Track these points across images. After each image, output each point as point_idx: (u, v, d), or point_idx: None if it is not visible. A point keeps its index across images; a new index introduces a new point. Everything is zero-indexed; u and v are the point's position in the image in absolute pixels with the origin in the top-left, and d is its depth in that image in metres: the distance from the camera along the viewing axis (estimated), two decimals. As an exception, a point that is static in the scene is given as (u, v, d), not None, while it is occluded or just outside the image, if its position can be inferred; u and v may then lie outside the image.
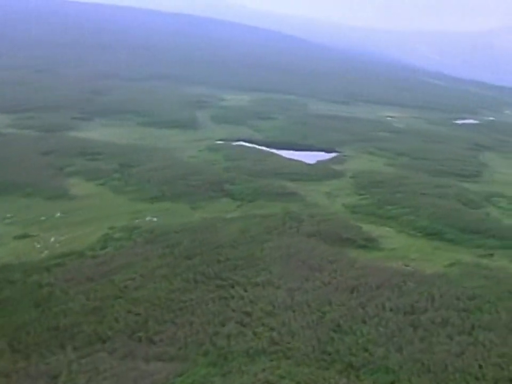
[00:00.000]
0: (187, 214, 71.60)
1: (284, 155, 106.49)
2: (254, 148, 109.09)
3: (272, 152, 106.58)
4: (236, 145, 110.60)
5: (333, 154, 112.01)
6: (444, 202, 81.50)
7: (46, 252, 57.32)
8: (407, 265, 61.03)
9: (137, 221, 68.45)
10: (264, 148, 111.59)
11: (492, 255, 67.54)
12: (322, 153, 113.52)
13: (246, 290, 50.29)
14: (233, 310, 46.90)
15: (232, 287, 50.83)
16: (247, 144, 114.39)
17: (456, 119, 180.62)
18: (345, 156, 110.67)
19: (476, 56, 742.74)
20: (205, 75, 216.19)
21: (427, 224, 73.32)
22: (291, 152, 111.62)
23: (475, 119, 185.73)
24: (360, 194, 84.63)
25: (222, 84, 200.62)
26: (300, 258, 57.38)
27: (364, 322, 46.29)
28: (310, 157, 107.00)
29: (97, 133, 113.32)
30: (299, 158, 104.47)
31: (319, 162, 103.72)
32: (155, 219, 69.42)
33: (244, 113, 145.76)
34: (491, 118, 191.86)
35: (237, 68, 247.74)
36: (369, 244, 65.79)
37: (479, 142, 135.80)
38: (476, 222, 74.51)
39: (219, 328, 44.19)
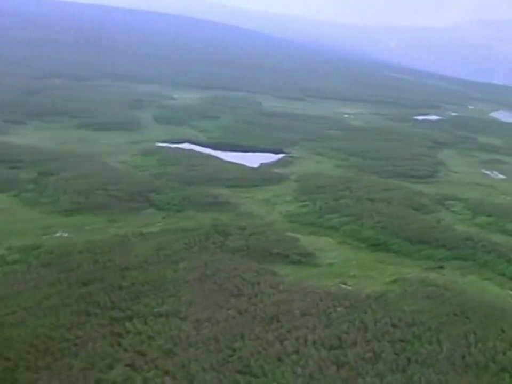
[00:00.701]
0: (102, 229, 64.24)
1: (225, 158, 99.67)
2: (193, 150, 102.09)
3: (211, 155, 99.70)
4: (174, 148, 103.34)
5: (280, 156, 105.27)
6: (391, 208, 75.37)
7: None
8: (344, 284, 54.68)
9: (44, 237, 60.80)
10: (205, 150, 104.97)
11: (441, 267, 61.74)
12: (270, 154, 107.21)
13: (145, 323, 43.23)
14: (126, 350, 39.82)
15: (130, 319, 43.71)
16: (186, 146, 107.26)
17: (418, 114, 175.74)
18: (292, 157, 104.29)
19: (445, 50, 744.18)
20: (159, 73, 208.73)
21: (371, 234, 67.11)
22: (235, 154, 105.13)
23: (437, 115, 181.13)
24: (302, 201, 78.17)
25: (174, 82, 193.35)
26: (216, 281, 50.46)
27: (280, 360, 39.65)
28: (254, 159, 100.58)
29: (27, 137, 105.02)
30: (242, 161, 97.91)
31: (262, 165, 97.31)
32: (66, 235, 61.89)
33: (190, 112, 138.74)
34: (454, 113, 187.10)
35: (193, 66, 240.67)
36: (303, 259, 59.26)
37: (438, 139, 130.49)
38: (426, 230, 68.49)
39: (104, 374, 37.18)
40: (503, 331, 46.28)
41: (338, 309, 47.04)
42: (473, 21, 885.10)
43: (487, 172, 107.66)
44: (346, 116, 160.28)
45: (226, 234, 62.18)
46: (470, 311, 49.11)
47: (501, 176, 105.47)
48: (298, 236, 65.97)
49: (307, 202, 77.18)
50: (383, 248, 64.66)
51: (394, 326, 44.91)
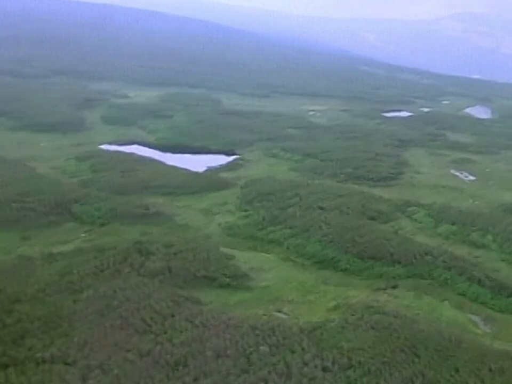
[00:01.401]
0: (12, 248, 56.71)
1: (170, 161, 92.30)
2: (134, 154, 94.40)
3: (153, 159, 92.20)
4: (114, 151, 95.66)
5: (231, 158, 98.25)
6: (344, 217, 68.53)
7: None
8: (278, 311, 47.78)
9: None
10: (150, 153, 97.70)
11: (394, 287, 55.05)
12: (221, 156, 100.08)
13: (22, 373, 36.09)
14: (-14, 413, 32.44)
15: (5, 368, 36.53)
16: (133, 148, 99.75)
17: (388, 111, 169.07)
18: (243, 159, 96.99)
19: (423, 43, 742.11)
20: (116, 70, 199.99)
21: (318, 249, 60.28)
22: (183, 156, 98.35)
23: (409, 111, 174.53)
24: (245, 211, 70.91)
25: (132, 79, 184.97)
26: (122, 314, 43.22)
27: (177, 421, 32.45)
28: (202, 162, 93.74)
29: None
30: (188, 164, 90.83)
31: (208, 169, 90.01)
32: (-34, 257, 54.30)
33: (143, 111, 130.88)
34: (426, 109, 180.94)
35: (154, 62, 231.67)
36: (234, 281, 52.36)
37: (406, 137, 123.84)
38: (379, 244, 61.67)
39: None
40: (457, 370, 39.68)
41: (262, 348, 40.06)
42: (452, 14, 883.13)
43: (456, 173, 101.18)
44: (312, 113, 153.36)
45: (148, 253, 54.96)
46: (420, 345, 42.38)
47: (471, 178, 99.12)
48: (234, 252, 59.23)
49: (250, 212, 70.06)
50: (330, 266, 58.01)
51: (325, 369, 38.02)
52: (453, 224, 71.64)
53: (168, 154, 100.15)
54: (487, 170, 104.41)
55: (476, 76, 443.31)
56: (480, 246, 66.97)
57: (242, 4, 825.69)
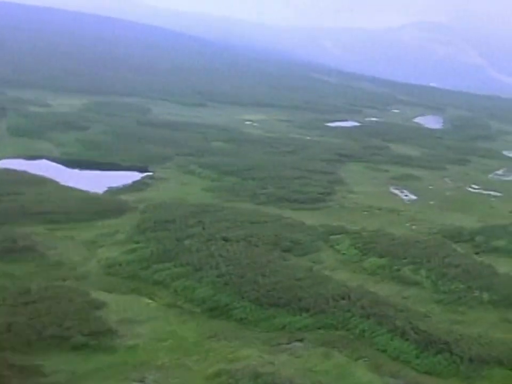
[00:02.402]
0: None
1: (70, 180, 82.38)
2: (25, 172, 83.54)
3: (46, 179, 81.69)
4: (1, 169, 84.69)
5: (141, 176, 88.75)
6: (250, 251, 59.13)
7: None
8: (141, 381, 38.22)
9: None
10: (57, 169, 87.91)
11: (301, 340, 45.59)
12: (133, 173, 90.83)
13: None
14: None
15: None
16: (31, 165, 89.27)
17: (332, 121, 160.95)
18: (153, 178, 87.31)
19: (382, 52, 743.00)
20: (43, 75, 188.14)
21: (210, 293, 50.58)
22: (90, 173, 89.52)
23: (356, 120, 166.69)
24: (136, 242, 60.98)
25: (58, 86, 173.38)
26: None
27: None
28: (106, 181, 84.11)
29: None
30: (90, 183, 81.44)
31: (108, 190, 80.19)
32: None
33: (57, 122, 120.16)
34: (374, 119, 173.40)
35: (86, 67, 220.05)
36: (95, 340, 42.45)
37: (345, 151, 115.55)
38: (287, 286, 52.30)
39: None
40: None
41: None
42: (413, 23, 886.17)
43: (396, 191, 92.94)
44: (248, 123, 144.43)
45: (-12, 304, 44.61)
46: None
47: (412, 197, 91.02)
48: (109, 297, 49.51)
49: (141, 245, 60.12)
50: (222, 314, 48.46)
51: None
52: (382, 256, 62.81)
53: (74, 171, 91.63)
54: (430, 188, 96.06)
55: (432, 84, 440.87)
56: (412, 283, 58.26)
57: (202, 11, 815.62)
